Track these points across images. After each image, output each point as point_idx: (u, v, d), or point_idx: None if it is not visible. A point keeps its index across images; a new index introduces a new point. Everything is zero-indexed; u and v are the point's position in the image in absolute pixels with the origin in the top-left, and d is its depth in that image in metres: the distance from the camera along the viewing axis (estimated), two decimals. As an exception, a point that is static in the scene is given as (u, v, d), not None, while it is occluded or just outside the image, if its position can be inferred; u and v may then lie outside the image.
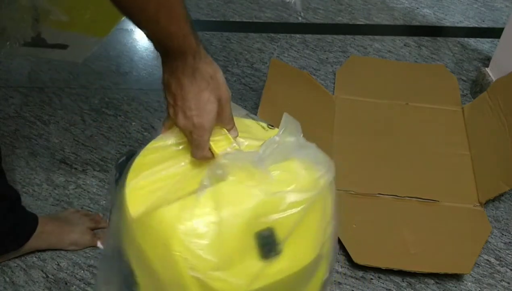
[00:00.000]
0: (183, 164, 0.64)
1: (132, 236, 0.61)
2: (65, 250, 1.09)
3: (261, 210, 0.58)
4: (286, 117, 0.65)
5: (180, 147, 0.67)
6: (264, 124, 0.71)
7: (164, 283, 0.59)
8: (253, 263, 0.58)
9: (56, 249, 1.09)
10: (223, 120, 0.65)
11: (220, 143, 0.64)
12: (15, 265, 1.07)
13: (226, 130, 0.66)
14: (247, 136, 0.68)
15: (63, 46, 0.78)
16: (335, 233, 0.67)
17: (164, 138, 0.68)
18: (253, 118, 0.73)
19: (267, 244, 0.58)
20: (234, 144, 0.64)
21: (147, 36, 0.59)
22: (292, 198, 0.58)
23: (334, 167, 0.64)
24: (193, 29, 0.59)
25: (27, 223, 1.03)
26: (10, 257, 1.06)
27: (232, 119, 0.66)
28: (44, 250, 1.08)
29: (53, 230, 1.06)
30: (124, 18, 0.96)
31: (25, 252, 1.06)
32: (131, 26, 1.75)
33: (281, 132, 0.63)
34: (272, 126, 0.72)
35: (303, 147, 0.63)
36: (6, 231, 1.00)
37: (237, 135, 0.67)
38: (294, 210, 0.58)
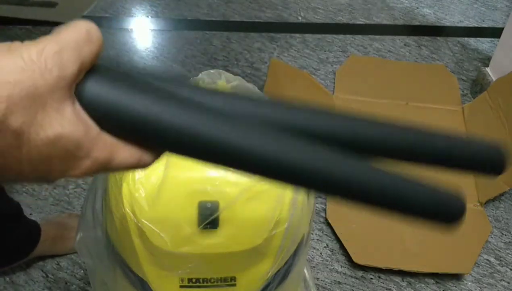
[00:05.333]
0: None
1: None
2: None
3: (209, 183, 0.61)
4: None
5: None
6: None
7: (116, 224, 0.63)
8: (189, 229, 0.61)
9: (58, 255, 1.09)
10: None
11: None
12: (15, 265, 1.07)
13: None
14: None
15: (52, 4, 0.72)
16: (294, 238, 0.67)
17: None
18: None
19: (207, 216, 0.61)
20: None
21: None
22: (239, 179, 0.62)
23: None
24: None
25: (30, 234, 1.02)
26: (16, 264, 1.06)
27: None
28: (47, 256, 1.08)
29: (55, 237, 1.06)
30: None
31: (29, 258, 1.06)
32: (131, 26, 1.74)
33: None
34: None
35: None
36: (12, 244, 0.99)
37: None
38: (236, 190, 0.61)
